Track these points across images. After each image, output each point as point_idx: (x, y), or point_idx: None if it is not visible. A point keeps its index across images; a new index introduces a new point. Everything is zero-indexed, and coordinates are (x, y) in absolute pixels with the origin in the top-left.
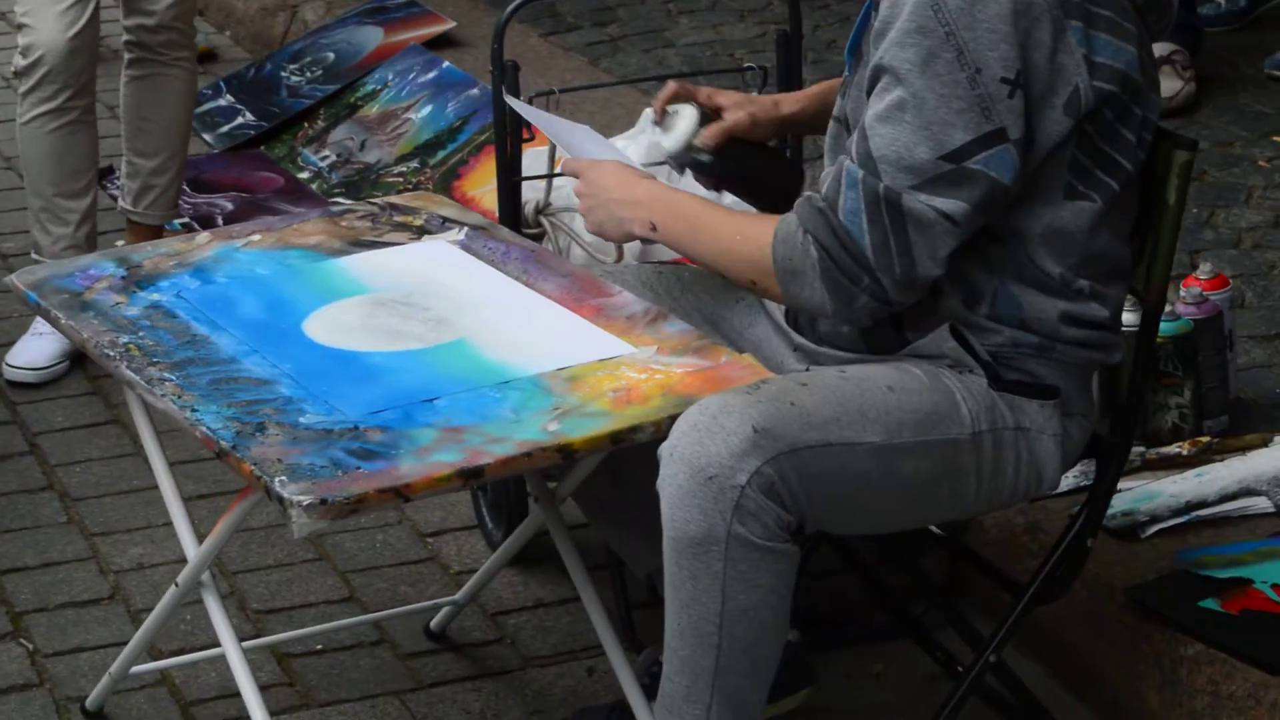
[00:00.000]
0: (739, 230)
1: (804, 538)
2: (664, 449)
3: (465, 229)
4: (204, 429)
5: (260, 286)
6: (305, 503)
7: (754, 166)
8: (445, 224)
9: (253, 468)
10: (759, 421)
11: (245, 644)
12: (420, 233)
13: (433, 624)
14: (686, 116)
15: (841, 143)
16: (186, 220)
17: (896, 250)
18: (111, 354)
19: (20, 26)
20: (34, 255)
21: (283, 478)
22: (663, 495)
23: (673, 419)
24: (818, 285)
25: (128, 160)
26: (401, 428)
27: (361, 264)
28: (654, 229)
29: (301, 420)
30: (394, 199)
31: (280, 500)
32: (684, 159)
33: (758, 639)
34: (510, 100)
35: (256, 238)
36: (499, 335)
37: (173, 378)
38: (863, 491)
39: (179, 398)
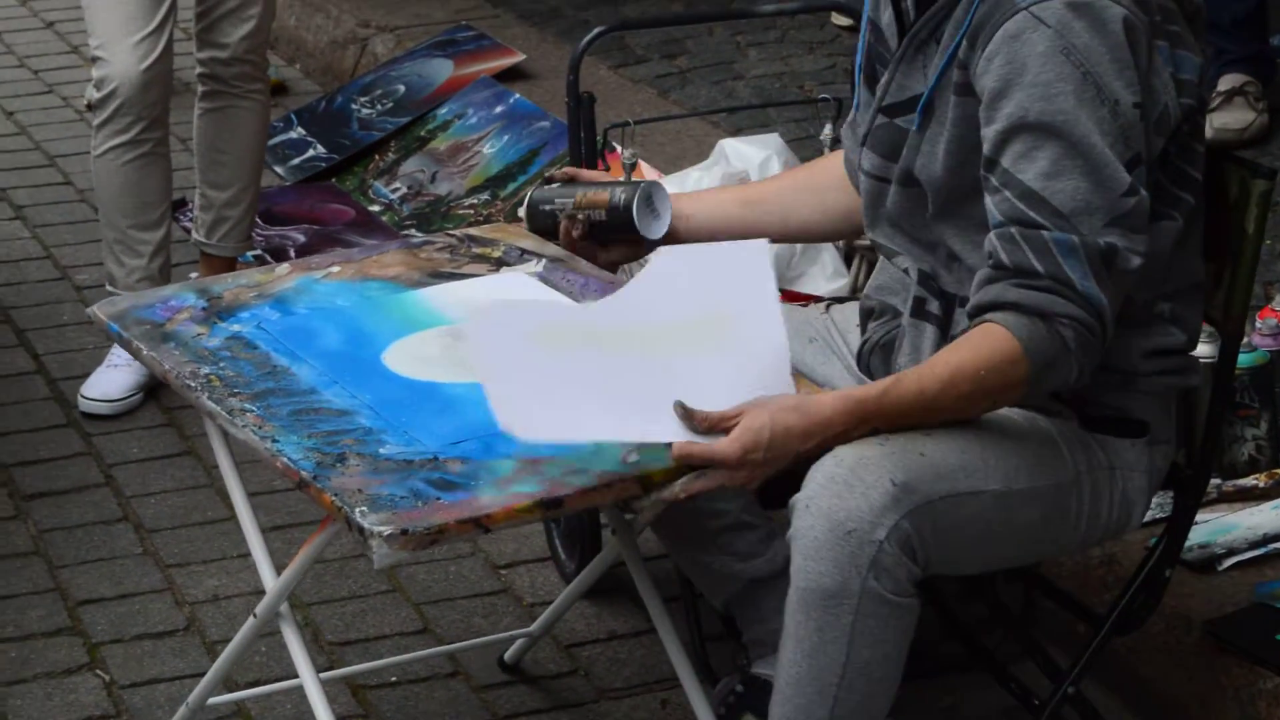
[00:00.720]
0: (979, 364)
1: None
2: (799, 500)
3: (544, 260)
4: (285, 460)
5: (340, 318)
6: (386, 533)
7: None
8: (524, 256)
9: (333, 498)
10: (897, 475)
11: (321, 676)
12: (499, 264)
13: (507, 656)
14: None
15: (883, 200)
16: (259, 252)
17: (1118, 299)
18: (193, 385)
19: (95, 60)
20: (108, 287)
21: (363, 508)
22: (795, 546)
23: None
24: (1072, 363)
25: (201, 193)
26: (481, 458)
27: (440, 295)
28: (874, 433)
29: (381, 451)
30: (472, 230)
31: (360, 531)
32: (536, 194)
33: (874, 692)
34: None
35: (336, 269)
36: None
37: (253, 408)
38: (983, 538)
39: (260, 428)
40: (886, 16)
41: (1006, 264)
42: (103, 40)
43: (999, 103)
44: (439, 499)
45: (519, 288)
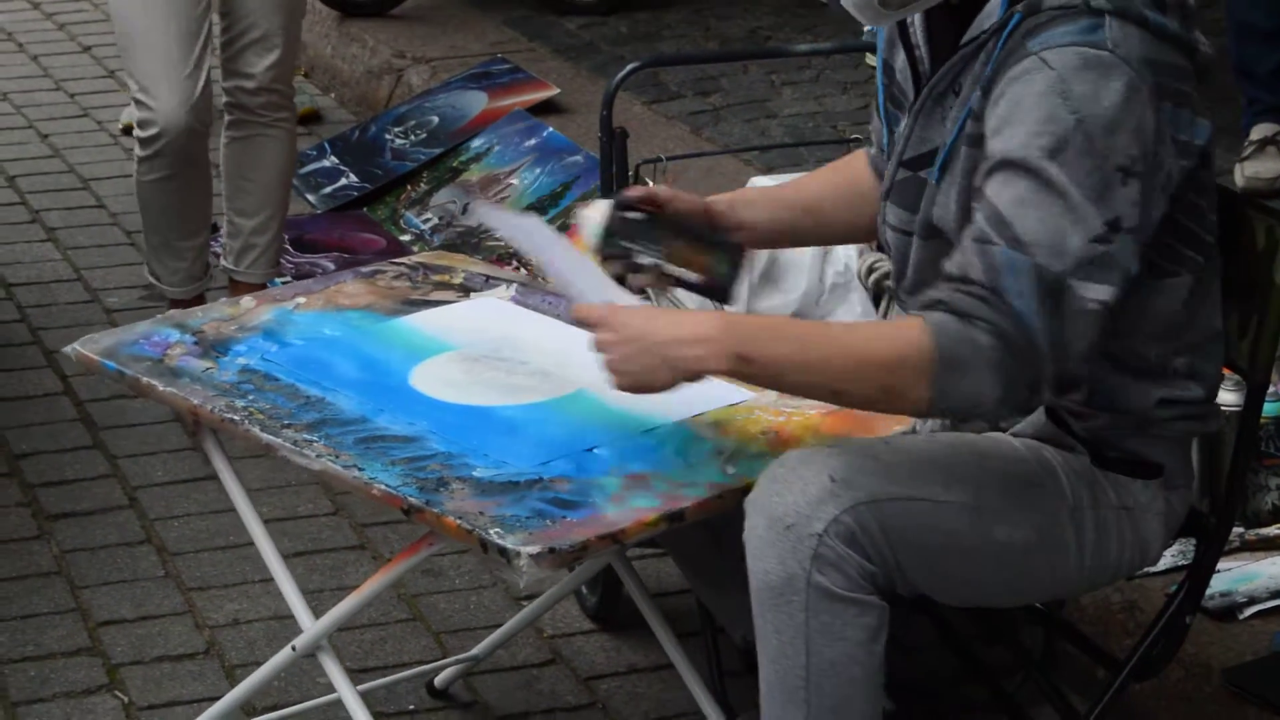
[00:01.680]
0: (873, 334)
1: (897, 596)
2: (747, 501)
3: (514, 285)
4: (382, 487)
5: (340, 347)
6: (534, 553)
7: (697, 233)
8: (489, 281)
9: (459, 522)
10: (837, 471)
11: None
12: (464, 290)
13: (437, 681)
14: (602, 203)
15: (907, 251)
16: (288, 279)
17: (1064, 339)
18: (235, 419)
19: (137, 102)
20: (150, 279)
21: (497, 530)
22: (746, 547)
23: None
24: (985, 374)
25: (229, 220)
26: (583, 477)
27: (429, 322)
28: (743, 361)
29: (476, 474)
30: (422, 258)
31: (502, 552)
32: (613, 241)
33: (847, 695)
34: (485, 211)
35: (303, 300)
36: None
37: (315, 439)
38: (953, 553)
39: (335, 458)
40: (900, 60)
41: (953, 272)
42: (144, 84)
43: (994, 139)
44: (565, 517)
45: (499, 311)
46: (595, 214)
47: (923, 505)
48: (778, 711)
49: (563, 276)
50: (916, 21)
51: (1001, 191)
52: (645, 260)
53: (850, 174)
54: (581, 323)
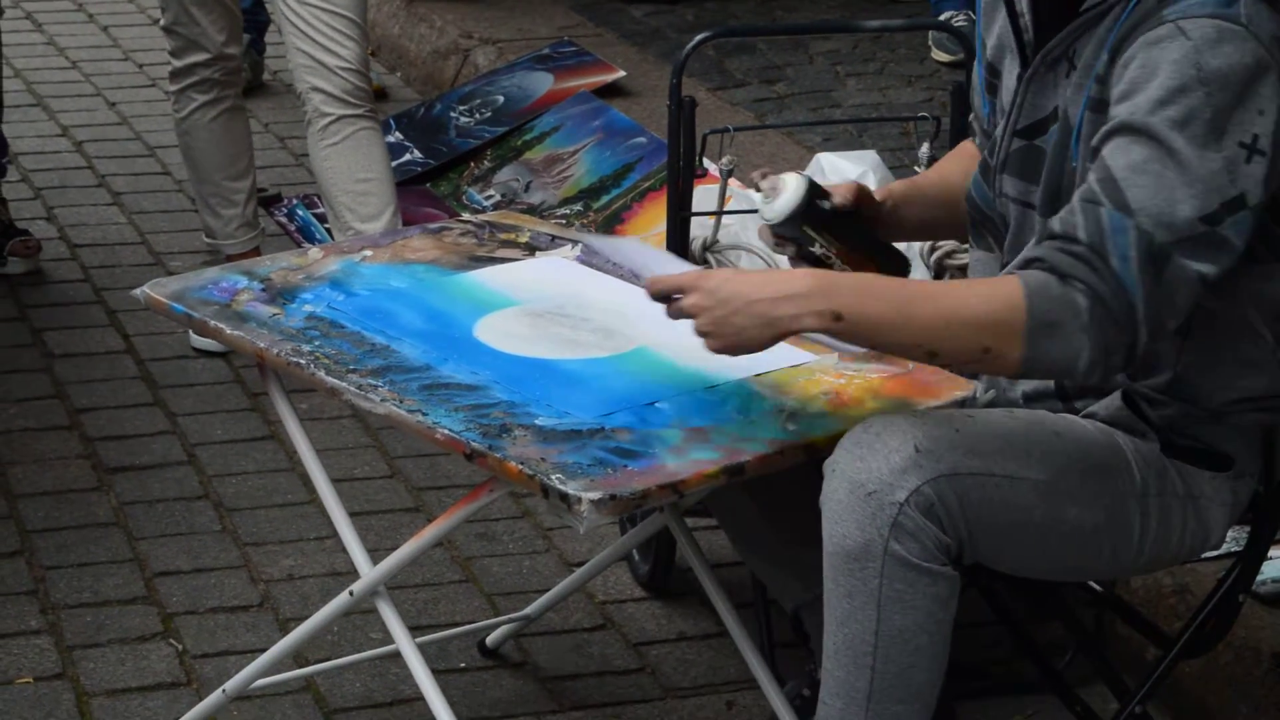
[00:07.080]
0: (969, 294)
1: (963, 567)
2: (827, 464)
3: (579, 245)
4: (445, 431)
5: (406, 298)
6: (595, 498)
7: (873, 239)
8: (554, 240)
9: (520, 467)
10: (922, 441)
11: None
12: (529, 248)
13: (489, 640)
14: (796, 179)
15: (1026, 222)
16: None
17: (1160, 309)
18: (301, 362)
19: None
20: (206, 239)
21: (559, 475)
22: (824, 510)
23: None
24: (1079, 337)
25: (349, 233)
26: (644, 429)
27: (495, 277)
28: (837, 319)
29: (538, 423)
30: (489, 217)
31: (563, 497)
32: (795, 223)
33: (912, 664)
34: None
35: (369, 253)
36: (677, 343)
37: (380, 384)
38: (1024, 529)
39: (400, 403)
40: (994, 32)
41: (1056, 230)
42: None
43: (1119, 103)
44: (626, 466)
45: (564, 270)
46: (791, 187)
47: (1000, 481)
48: (842, 674)
49: (645, 266)
50: None
51: (1119, 155)
52: (817, 251)
53: (971, 162)
54: (664, 293)
